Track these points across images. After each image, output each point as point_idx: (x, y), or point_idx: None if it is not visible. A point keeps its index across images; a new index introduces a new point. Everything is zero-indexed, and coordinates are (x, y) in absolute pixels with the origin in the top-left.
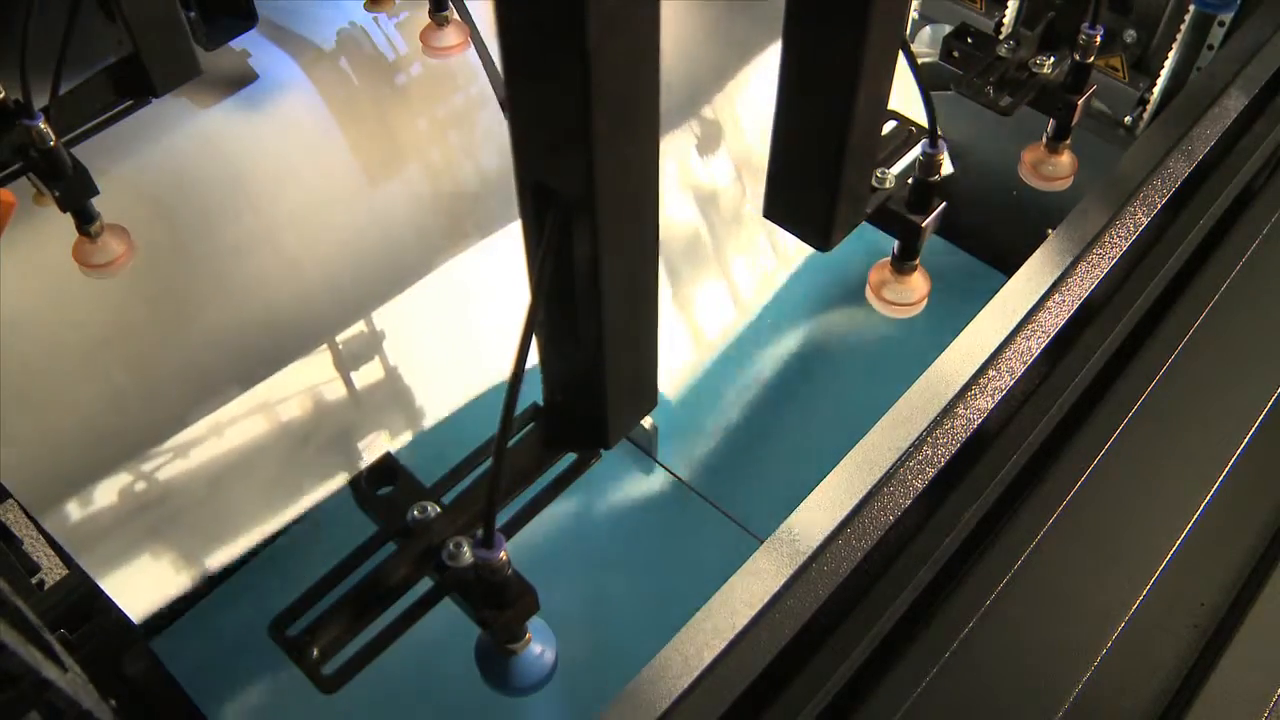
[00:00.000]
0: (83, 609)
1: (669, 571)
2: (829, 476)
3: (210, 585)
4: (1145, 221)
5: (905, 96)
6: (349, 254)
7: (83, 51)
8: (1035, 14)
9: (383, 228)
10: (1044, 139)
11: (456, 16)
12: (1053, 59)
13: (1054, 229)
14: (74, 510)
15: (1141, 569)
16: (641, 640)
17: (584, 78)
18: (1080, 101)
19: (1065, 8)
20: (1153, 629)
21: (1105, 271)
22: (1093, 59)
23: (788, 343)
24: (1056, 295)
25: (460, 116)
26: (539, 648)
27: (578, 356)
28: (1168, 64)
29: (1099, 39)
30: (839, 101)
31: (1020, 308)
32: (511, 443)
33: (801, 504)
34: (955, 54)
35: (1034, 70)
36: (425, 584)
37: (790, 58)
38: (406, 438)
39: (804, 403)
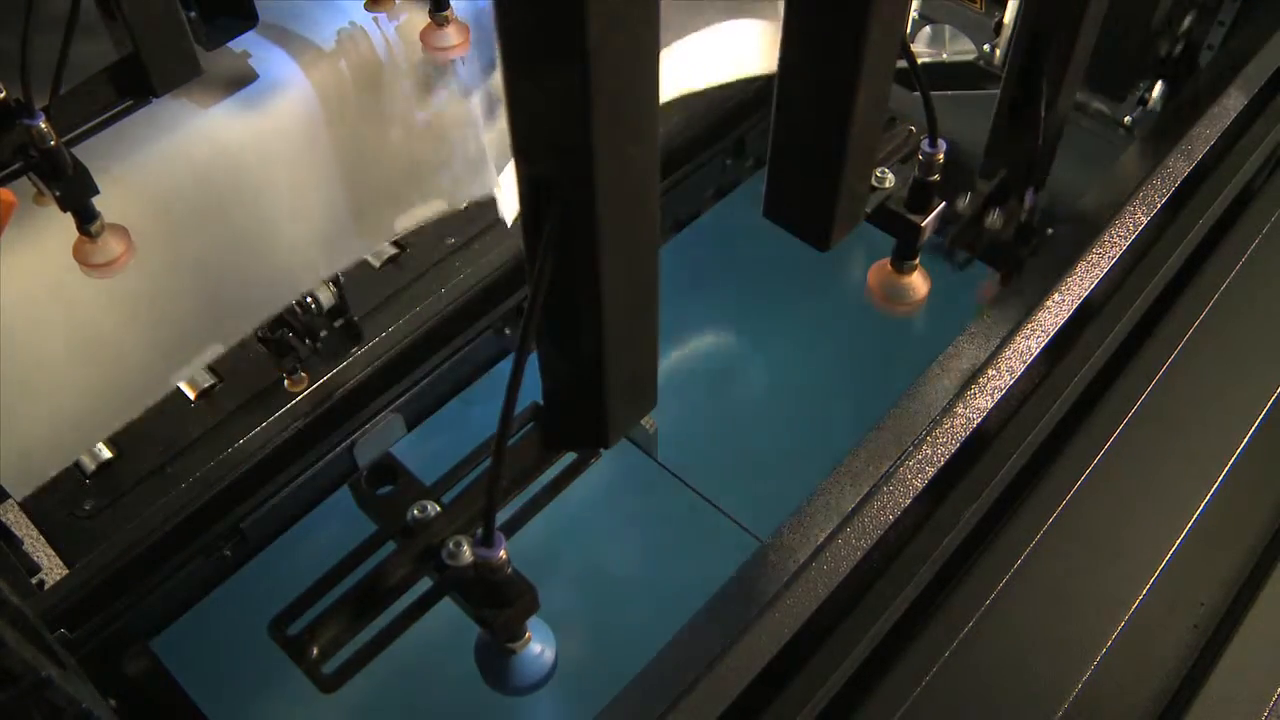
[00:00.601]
0: (83, 609)
1: (669, 571)
2: (829, 476)
3: (208, 588)
4: (1145, 221)
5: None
6: (348, 253)
7: (83, 51)
8: (993, 168)
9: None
10: (997, 278)
11: (456, 16)
12: (999, 214)
13: (1054, 229)
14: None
15: (1141, 569)
16: (642, 640)
17: (584, 77)
18: (1026, 256)
19: (1015, 168)
20: (1153, 629)
21: (1105, 271)
22: (1036, 218)
23: (788, 342)
24: (1056, 295)
25: (459, 116)
26: (538, 647)
27: (577, 356)
28: None
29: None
30: (839, 101)
31: (1020, 308)
32: (511, 442)
33: (801, 504)
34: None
35: (985, 225)
36: (425, 583)
37: (790, 57)
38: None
39: (804, 403)
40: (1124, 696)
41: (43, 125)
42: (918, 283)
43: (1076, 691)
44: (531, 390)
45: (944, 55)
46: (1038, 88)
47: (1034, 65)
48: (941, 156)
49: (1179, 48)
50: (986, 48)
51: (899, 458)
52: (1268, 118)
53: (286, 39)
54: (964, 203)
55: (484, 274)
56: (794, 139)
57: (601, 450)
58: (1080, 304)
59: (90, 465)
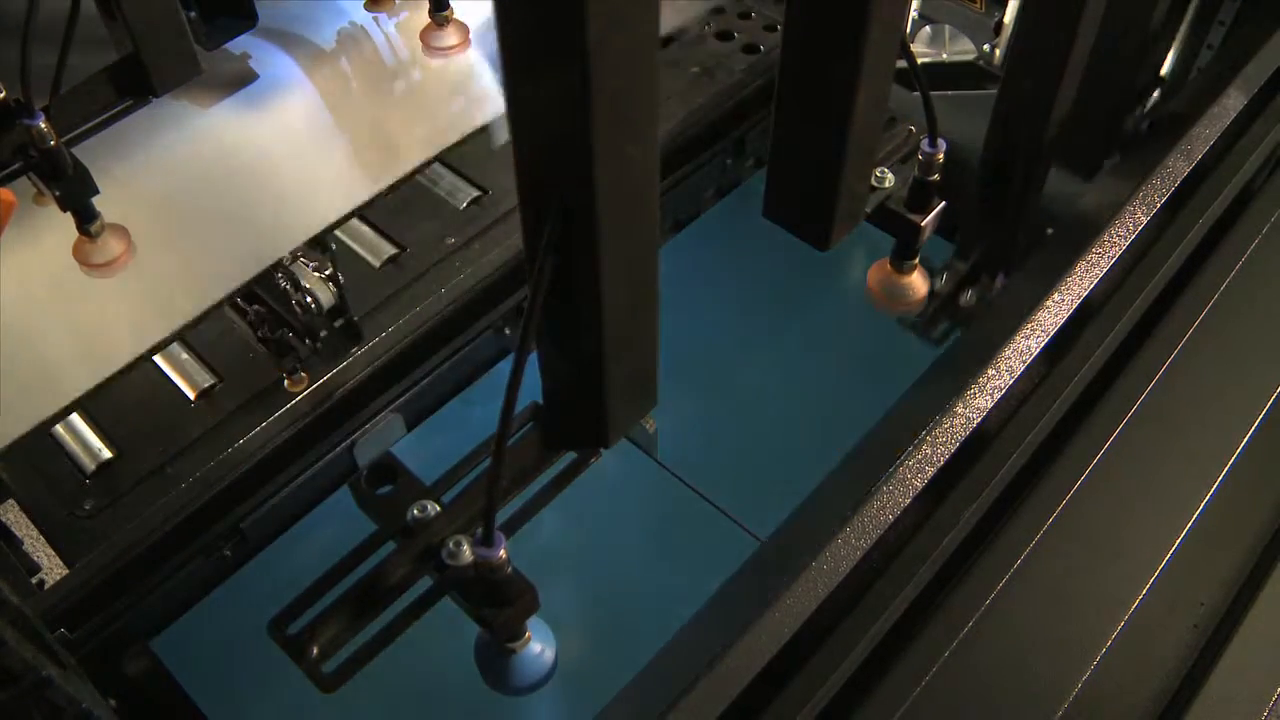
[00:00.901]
0: (83, 609)
1: (669, 571)
2: (829, 476)
3: (208, 588)
4: (1145, 221)
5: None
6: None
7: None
8: (967, 247)
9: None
10: None
11: (456, 16)
12: (973, 294)
13: (1054, 229)
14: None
15: (1141, 569)
16: (641, 640)
17: (584, 77)
18: None
19: (988, 251)
20: (1153, 629)
21: (1105, 271)
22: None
23: (788, 342)
24: (1056, 295)
25: (460, 115)
26: (538, 647)
27: (577, 356)
28: (1167, 64)
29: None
30: (839, 101)
31: (1020, 307)
32: (511, 442)
33: (801, 504)
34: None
35: (960, 304)
36: (425, 583)
37: (790, 58)
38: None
39: (804, 403)
40: (1124, 696)
41: (43, 125)
42: (917, 282)
43: (1076, 691)
44: (532, 390)
45: (944, 55)
46: (1009, 183)
47: (1006, 161)
48: (941, 156)
49: (1145, 124)
50: (986, 48)
51: (899, 458)
52: (1267, 118)
53: (286, 39)
54: (941, 282)
55: (484, 274)
56: (794, 139)
57: (601, 450)
58: (1080, 304)
59: (90, 465)
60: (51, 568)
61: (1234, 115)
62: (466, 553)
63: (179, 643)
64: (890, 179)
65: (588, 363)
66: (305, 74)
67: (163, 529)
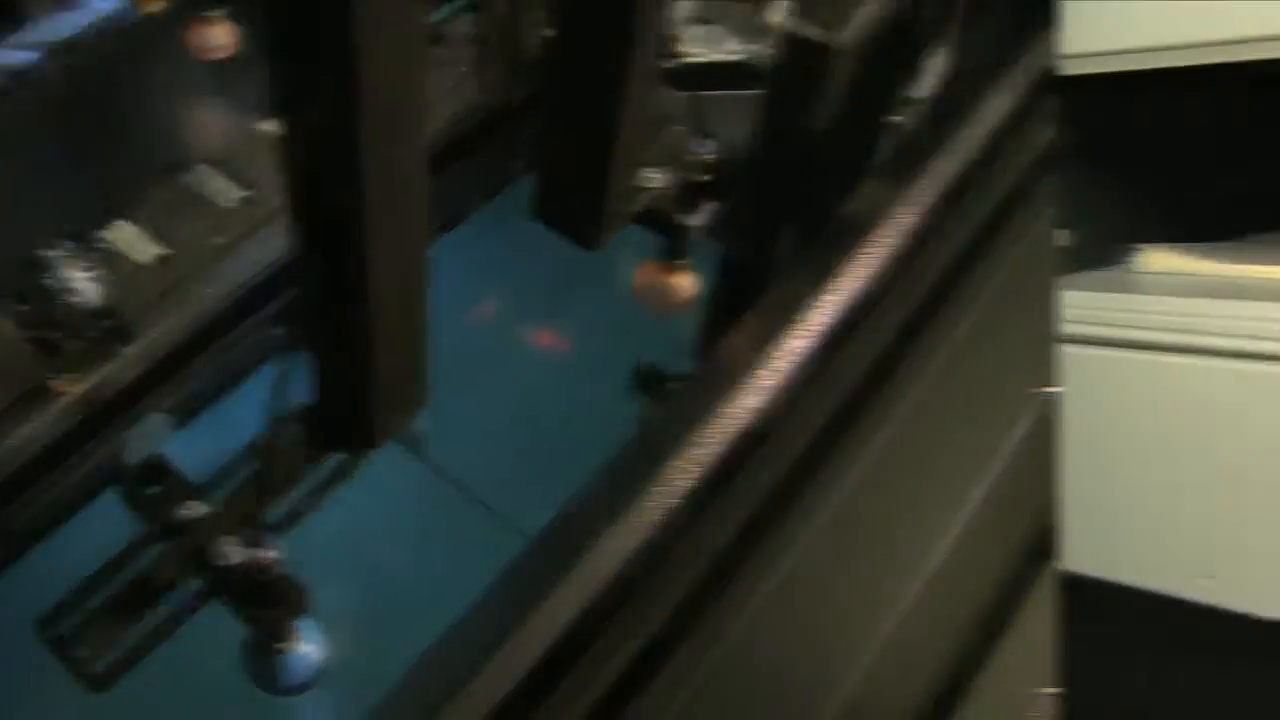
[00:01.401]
0: None
1: (441, 571)
2: (597, 474)
3: None
4: (913, 224)
5: None
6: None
7: None
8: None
9: None
10: None
11: None
12: None
13: (822, 231)
14: None
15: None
16: (414, 639)
17: (351, 76)
18: None
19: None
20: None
21: (872, 273)
22: None
23: (562, 340)
24: (825, 296)
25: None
26: (307, 647)
27: (345, 356)
28: (938, 63)
29: None
30: (605, 101)
31: (789, 307)
32: (281, 442)
33: (567, 502)
34: None
35: None
36: (199, 581)
37: (557, 56)
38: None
39: (576, 399)
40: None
41: None
42: (685, 283)
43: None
44: (307, 390)
45: (716, 55)
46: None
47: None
48: (711, 156)
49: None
50: (758, 48)
51: (668, 456)
52: (1036, 119)
53: None
54: None
55: (253, 273)
56: (561, 140)
57: (370, 450)
58: (848, 306)
59: None
60: None
61: (1001, 117)
62: (235, 553)
63: None
64: (658, 179)
65: (355, 363)
66: None
67: None
